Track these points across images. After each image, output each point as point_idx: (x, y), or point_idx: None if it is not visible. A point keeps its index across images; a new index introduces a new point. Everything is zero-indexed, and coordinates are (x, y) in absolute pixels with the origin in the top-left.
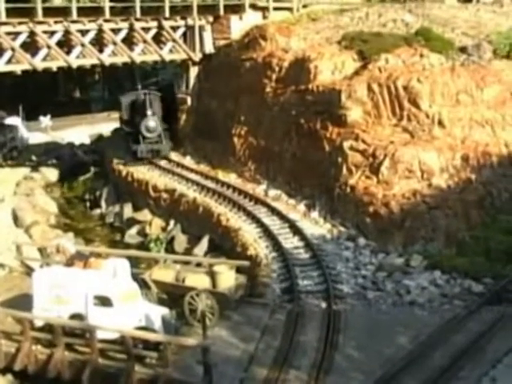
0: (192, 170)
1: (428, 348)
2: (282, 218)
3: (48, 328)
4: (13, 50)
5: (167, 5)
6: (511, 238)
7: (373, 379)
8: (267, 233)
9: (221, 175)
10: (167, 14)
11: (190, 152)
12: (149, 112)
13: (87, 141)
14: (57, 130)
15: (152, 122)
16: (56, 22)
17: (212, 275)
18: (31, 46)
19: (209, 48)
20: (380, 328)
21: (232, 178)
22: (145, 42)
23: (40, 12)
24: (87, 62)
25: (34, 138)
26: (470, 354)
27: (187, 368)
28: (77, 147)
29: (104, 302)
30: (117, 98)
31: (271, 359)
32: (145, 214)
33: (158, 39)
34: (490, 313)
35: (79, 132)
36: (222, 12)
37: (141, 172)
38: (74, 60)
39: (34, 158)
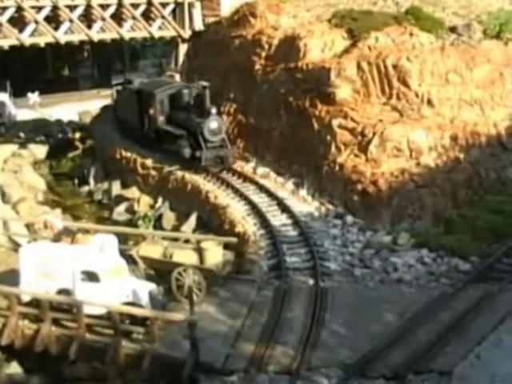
0: None
1: (414, 325)
2: (271, 195)
3: (35, 303)
4: (0, 24)
5: None
6: (498, 217)
7: (359, 355)
8: (255, 210)
9: None
10: None
11: None
12: (213, 110)
13: (76, 118)
14: (45, 106)
15: (215, 122)
16: None
17: (199, 251)
18: (19, 21)
19: (198, 25)
20: (367, 305)
21: None
22: (134, 18)
23: None
24: (75, 37)
25: (22, 114)
26: (456, 331)
27: (174, 343)
28: (65, 124)
29: (91, 277)
30: (106, 76)
31: (258, 335)
32: (133, 192)
33: (147, 16)
34: (476, 291)
35: (68, 109)
36: None
37: (129, 149)
38: (62, 36)
39: (21, 134)
